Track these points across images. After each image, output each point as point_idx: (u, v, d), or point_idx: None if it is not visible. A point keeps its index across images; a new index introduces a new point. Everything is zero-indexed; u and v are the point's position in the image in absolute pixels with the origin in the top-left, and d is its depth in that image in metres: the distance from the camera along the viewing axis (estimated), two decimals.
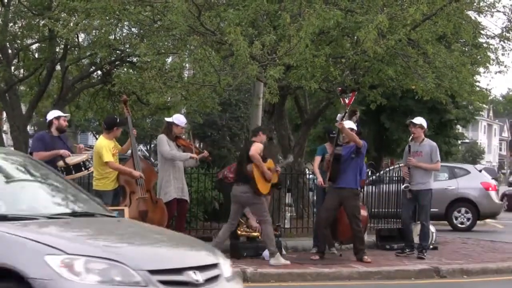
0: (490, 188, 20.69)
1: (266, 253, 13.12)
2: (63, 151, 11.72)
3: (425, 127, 14.31)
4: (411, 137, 14.38)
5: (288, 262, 12.52)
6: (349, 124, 13.37)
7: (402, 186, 14.87)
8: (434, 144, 14.32)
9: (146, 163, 13.79)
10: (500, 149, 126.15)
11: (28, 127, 20.29)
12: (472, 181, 19.52)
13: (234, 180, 13.24)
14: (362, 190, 15.46)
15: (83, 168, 11.88)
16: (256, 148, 12.54)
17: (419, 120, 14.30)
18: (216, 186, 15.70)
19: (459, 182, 19.60)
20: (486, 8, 15.09)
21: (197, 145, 24.21)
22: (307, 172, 17.44)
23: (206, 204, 15.50)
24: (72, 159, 11.75)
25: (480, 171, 20.78)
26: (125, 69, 18.93)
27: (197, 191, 15.37)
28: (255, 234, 13.63)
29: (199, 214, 15.42)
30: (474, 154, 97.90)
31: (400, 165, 15.97)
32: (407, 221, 14.41)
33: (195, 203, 15.25)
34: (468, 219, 20.59)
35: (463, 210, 20.50)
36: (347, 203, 13.19)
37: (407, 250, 14.29)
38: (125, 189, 12.72)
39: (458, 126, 47.00)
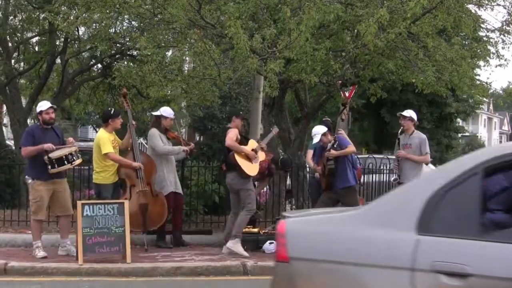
0: None
1: (266, 246, 13.15)
2: (47, 145, 11.69)
3: (415, 120, 14.29)
4: (400, 129, 14.38)
5: (246, 254, 12.37)
6: (321, 129, 13.36)
7: (391, 179, 14.87)
8: (424, 136, 14.26)
9: (146, 156, 13.81)
10: (500, 143, 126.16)
11: (28, 120, 20.27)
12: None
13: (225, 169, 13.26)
14: (360, 181, 15.46)
15: (65, 162, 11.82)
16: (231, 136, 12.56)
17: (409, 113, 14.29)
18: (217, 179, 15.75)
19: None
20: (486, 2, 15.05)
21: (197, 139, 24.25)
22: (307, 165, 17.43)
23: (206, 197, 15.52)
24: (54, 154, 11.71)
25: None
26: (125, 63, 18.95)
27: (197, 184, 15.38)
28: (255, 230, 13.64)
29: (199, 207, 15.43)
30: (474, 148, 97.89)
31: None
32: None
33: (195, 196, 15.28)
34: None
35: None
36: (345, 200, 13.18)
37: None
38: (126, 182, 12.76)
39: (458, 120, 47.05)
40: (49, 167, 11.65)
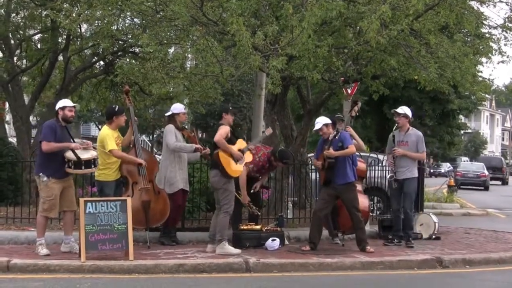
0: None
1: (268, 243, 13.14)
2: (74, 145, 11.74)
3: (409, 117, 14.33)
4: (395, 126, 14.38)
5: (238, 251, 12.38)
6: (325, 119, 13.38)
7: (387, 177, 14.88)
8: (420, 133, 14.34)
9: (148, 153, 13.80)
10: (503, 139, 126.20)
11: (31, 118, 20.28)
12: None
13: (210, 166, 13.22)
14: (364, 180, 15.43)
15: (92, 166, 11.90)
16: (222, 133, 12.43)
17: (403, 109, 14.33)
18: None
19: (370, 171, 18.74)
20: None
21: (200, 136, 24.20)
22: (310, 162, 17.42)
23: (208, 194, 15.52)
24: (83, 154, 11.75)
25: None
26: (128, 60, 18.96)
27: (200, 181, 15.39)
28: (258, 227, 13.63)
29: (202, 204, 15.44)
30: (476, 144, 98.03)
31: (385, 157, 15.89)
32: (397, 212, 14.43)
33: (198, 193, 15.28)
34: (379, 208, 19.69)
35: (374, 199, 19.60)
36: (344, 196, 13.18)
37: (395, 240, 14.32)
38: (128, 180, 12.75)
39: (461, 116, 47.07)
40: (72, 167, 11.67)
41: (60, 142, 11.70)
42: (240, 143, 12.86)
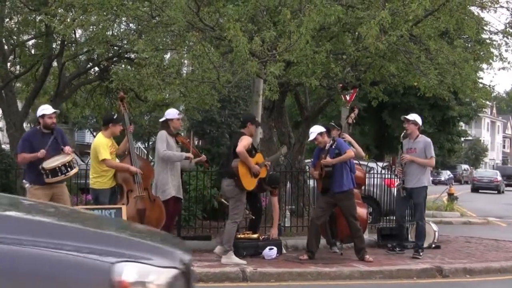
0: (393, 185, 19.26)
1: (266, 252, 12.99)
2: (40, 153, 11.53)
3: (419, 124, 14.14)
4: (403, 133, 14.21)
5: (243, 262, 12.23)
6: (319, 128, 13.24)
7: (396, 184, 14.73)
8: (428, 140, 14.13)
9: (144, 161, 13.62)
10: (504, 146, 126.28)
11: (24, 124, 20.13)
12: (375, 178, 18.47)
13: (222, 174, 13.08)
14: (363, 187, 15.30)
15: (59, 174, 11.63)
16: (245, 144, 12.30)
17: (413, 116, 14.17)
18: (216, 184, 15.59)
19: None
20: (489, 4, 14.94)
21: (196, 143, 24.02)
22: (307, 170, 17.27)
23: (204, 202, 15.39)
24: (48, 164, 11.53)
25: (384, 168, 19.69)
26: (123, 66, 18.85)
27: (196, 189, 15.23)
28: (255, 236, 13.48)
29: (198, 212, 15.29)
30: (477, 152, 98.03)
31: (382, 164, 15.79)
32: (401, 220, 14.29)
33: (194, 201, 15.14)
34: (370, 215, 19.36)
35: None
36: (342, 204, 13.03)
37: (397, 249, 14.19)
38: (123, 188, 12.56)
39: (461, 123, 46.99)
40: (44, 176, 11.49)
41: (38, 151, 11.54)
42: (259, 157, 12.78)
